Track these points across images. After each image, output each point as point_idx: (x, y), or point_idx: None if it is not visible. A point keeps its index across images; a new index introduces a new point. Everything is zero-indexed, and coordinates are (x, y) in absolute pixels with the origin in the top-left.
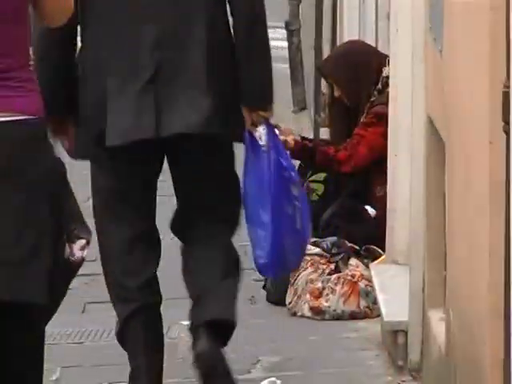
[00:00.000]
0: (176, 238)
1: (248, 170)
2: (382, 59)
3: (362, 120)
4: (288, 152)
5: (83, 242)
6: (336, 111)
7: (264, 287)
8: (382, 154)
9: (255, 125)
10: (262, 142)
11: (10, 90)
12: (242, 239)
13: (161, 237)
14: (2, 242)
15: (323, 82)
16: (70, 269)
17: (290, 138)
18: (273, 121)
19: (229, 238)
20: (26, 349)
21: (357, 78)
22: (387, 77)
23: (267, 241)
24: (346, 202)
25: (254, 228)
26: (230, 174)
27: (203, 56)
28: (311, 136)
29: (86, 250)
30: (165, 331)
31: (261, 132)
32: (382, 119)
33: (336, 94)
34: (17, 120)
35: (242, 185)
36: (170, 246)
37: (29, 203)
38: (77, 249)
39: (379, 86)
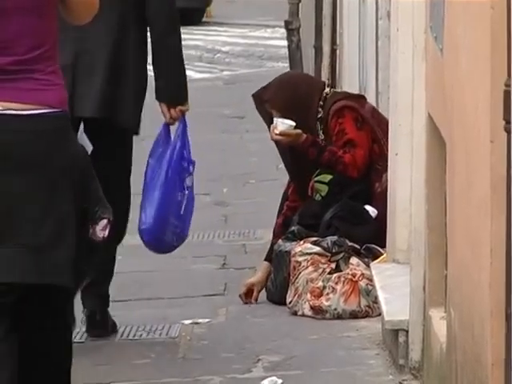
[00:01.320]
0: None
1: (154, 151)
2: (321, 84)
3: (324, 139)
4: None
5: (105, 221)
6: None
7: (267, 281)
8: (369, 146)
9: (174, 119)
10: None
11: (36, 83)
12: (240, 239)
13: None
14: (29, 227)
15: (324, 77)
16: (93, 249)
17: (304, 134)
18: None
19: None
20: (51, 331)
21: (301, 107)
22: (327, 93)
23: (152, 214)
24: (346, 203)
25: (145, 201)
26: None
27: (108, 55)
28: None
29: (107, 230)
30: (165, 330)
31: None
32: (343, 112)
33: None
34: (42, 113)
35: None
36: None
37: (54, 189)
38: (99, 229)
39: (321, 102)
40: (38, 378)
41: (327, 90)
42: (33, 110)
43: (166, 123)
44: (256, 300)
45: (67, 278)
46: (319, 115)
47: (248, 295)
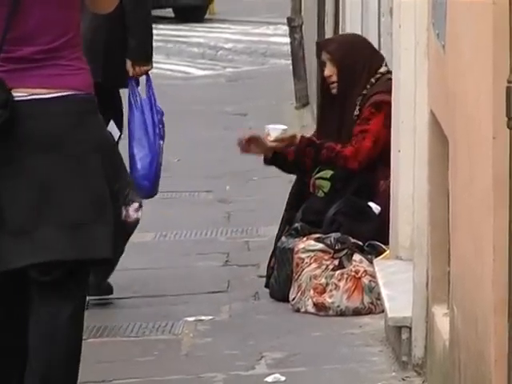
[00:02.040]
0: (177, 237)
1: (131, 110)
2: (381, 59)
3: (355, 116)
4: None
5: (136, 204)
6: (325, 106)
7: (267, 285)
8: (386, 144)
9: (138, 75)
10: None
11: (60, 69)
12: (243, 236)
13: (163, 234)
14: (68, 205)
15: None
16: (127, 229)
17: (298, 135)
18: (273, 117)
19: None
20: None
21: (354, 66)
22: (382, 73)
23: (147, 161)
24: (350, 199)
25: (133, 149)
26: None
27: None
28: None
29: (140, 212)
30: (169, 328)
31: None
32: (381, 108)
33: (326, 72)
34: (66, 95)
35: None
36: (172, 244)
37: (86, 168)
38: (132, 210)
39: (372, 80)
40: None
41: (383, 69)
42: (57, 93)
43: (134, 79)
44: (246, 150)
45: (109, 251)
46: (364, 91)
47: (250, 143)
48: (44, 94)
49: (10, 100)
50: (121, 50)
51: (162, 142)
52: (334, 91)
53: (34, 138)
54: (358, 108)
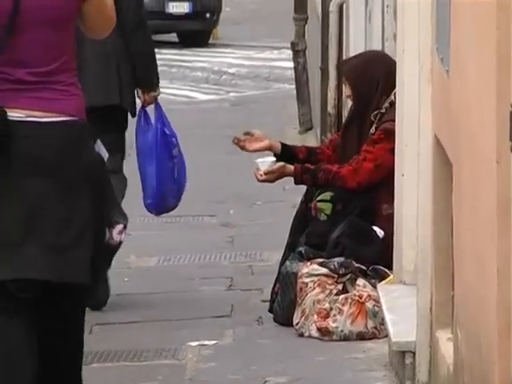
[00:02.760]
0: (181, 261)
1: (139, 134)
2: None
3: (370, 134)
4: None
5: (121, 226)
6: (347, 124)
7: (270, 309)
8: (390, 170)
9: (148, 103)
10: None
11: (56, 93)
12: (247, 260)
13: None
14: (50, 229)
15: (330, 103)
16: (110, 251)
17: (290, 166)
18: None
19: None
20: (69, 328)
21: (367, 87)
22: None
23: (152, 187)
24: (354, 222)
25: (144, 179)
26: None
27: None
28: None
29: (123, 234)
30: (172, 353)
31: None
32: (391, 135)
33: (346, 92)
34: (60, 120)
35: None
36: (176, 268)
37: (75, 192)
38: (115, 233)
39: (392, 97)
40: (55, 373)
41: None
42: (52, 117)
43: (143, 107)
44: (242, 147)
45: (85, 277)
46: (383, 109)
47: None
48: (39, 116)
49: (3, 118)
50: (132, 75)
51: (175, 161)
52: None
53: (27, 160)
54: (374, 126)
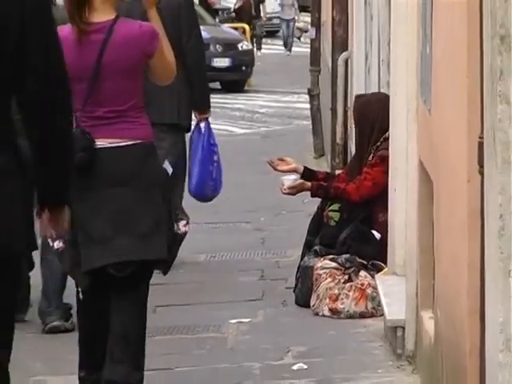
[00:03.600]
0: (223, 257)
1: (192, 142)
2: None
3: (369, 161)
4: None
5: (184, 221)
6: (355, 151)
7: (295, 290)
8: (385, 187)
9: (201, 121)
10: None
11: (128, 124)
12: (274, 257)
13: (212, 255)
14: (133, 224)
15: (338, 135)
16: (178, 238)
17: (308, 183)
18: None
19: None
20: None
21: (366, 124)
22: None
23: (195, 183)
24: (356, 227)
25: (191, 174)
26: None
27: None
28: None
29: (187, 227)
30: (217, 328)
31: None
32: (385, 161)
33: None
34: (133, 143)
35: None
36: (219, 263)
37: (147, 196)
38: (181, 226)
39: (386, 135)
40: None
41: None
42: (127, 142)
43: (197, 124)
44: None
45: (164, 254)
46: (378, 143)
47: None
48: (118, 142)
49: (90, 146)
50: (189, 101)
51: (215, 165)
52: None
53: (110, 176)
54: (372, 155)
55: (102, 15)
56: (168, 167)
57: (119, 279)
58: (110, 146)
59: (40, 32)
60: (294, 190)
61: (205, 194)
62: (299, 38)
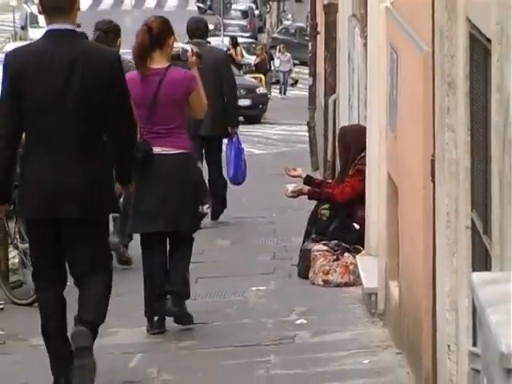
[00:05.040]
0: (244, 243)
1: (227, 147)
2: (364, 147)
3: (350, 173)
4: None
5: (207, 205)
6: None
7: (297, 266)
8: (362, 192)
9: (233, 133)
10: (234, 139)
11: (175, 138)
12: (283, 242)
13: (236, 241)
14: (172, 206)
15: (328, 155)
16: (202, 216)
17: (306, 188)
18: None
19: None
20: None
21: (347, 147)
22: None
23: (231, 172)
24: (342, 221)
25: (229, 168)
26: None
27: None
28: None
29: (209, 209)
30: (241, 293)
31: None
32: (361, 173)
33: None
34: (179, 152)
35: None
36: (242, 247)
37: (184, 186)
38: (205, 208)
39: (363, 154)
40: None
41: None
42: (174, 150)
43: (231, 135)
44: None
45: (192, 228)
46: (356, 161)
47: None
48: (167, 150)
49: (147, 151)
50: (224, 118)
51: (243, 161)
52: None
53: (161, 171)
54: (352, 169)
55: (159, 64)
56: (201, 166)
57: (170, 238)
58: (162, 152)
59: (118, 91)
60: (295, 194)
61: (237, 179)
62: (292, 85)
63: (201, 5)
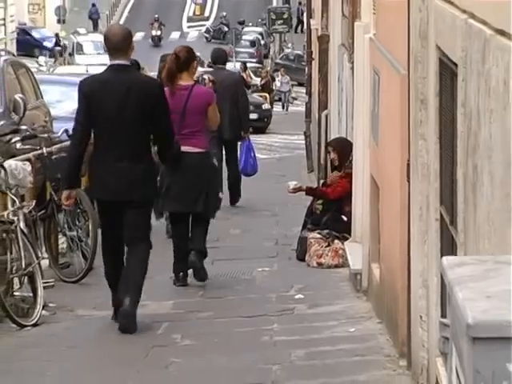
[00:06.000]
0: (252, 231)
1: (240, 147)
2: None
3: (340, 175)
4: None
5: (221, 194)
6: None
7: (296, 251)
8: (349, 191)
9: (245, 137)
10: (246, 141)
11: (197, 139)
12: (284, 231)
13: (246, 230)
14: (193, 192)
15: (321, 159)
16: (219, 201)
17: (304, 186)
18: (295, 177)
19: None
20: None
21: (344, 154)
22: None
23: (243, 165)
24: (333, 214)
25: (242, 162)
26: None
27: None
28: (315, 184)
29: (222, 196)
30: (249, 273)
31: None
32: (349, 175)
33: (331, 156)
34: (199, 151)
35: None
36: (250, 235)
37: (203, 177)
38: (220, 196)
39: (350, 158)
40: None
41: None
42: (196, 149)
43: (244, 138)
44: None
45: (209, 212)
46: (347, 164)
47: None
48: (192, 149)
49: (178, 149)
50: (239, 125)
51: (253, 157)
52: (336, 164)
53: (187, 167)
54: (341, 172)
55: (186, 82)
56: (215, 161)
57: (192, 216)
58: (187, 150)
59: (161, 107)
60: (295, 190)
61: (246, 171)
62: (291, 103)
63: (206, 35)
